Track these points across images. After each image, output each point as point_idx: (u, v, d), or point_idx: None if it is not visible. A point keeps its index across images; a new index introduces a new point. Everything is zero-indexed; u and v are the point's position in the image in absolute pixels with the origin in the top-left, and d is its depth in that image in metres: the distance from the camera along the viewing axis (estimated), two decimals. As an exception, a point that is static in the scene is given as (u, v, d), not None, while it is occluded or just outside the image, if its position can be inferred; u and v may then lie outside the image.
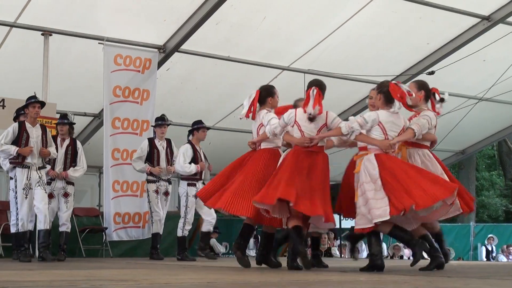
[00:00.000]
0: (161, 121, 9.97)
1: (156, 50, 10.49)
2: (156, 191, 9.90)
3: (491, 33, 11.06)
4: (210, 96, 11.87)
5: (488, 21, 11.09)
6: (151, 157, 9.92)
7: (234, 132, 13.37)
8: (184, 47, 10.48)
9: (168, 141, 10.13)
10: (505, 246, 17.11)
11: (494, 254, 17.35)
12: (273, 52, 11.33)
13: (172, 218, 11.66)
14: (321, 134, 6.76)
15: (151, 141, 9.97)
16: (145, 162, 9.88)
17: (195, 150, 9.91)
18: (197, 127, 9.90)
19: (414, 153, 6.86)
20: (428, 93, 6.94)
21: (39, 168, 8.59)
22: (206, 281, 4.93)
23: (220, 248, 15.31)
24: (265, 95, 7.32)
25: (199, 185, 9.81)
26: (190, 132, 9.96)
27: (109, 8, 9.57)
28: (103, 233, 10.59)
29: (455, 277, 5.58)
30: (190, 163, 9.78)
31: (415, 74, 11.91)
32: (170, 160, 10.05)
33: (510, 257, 16.66)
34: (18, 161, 8.43)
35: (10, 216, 9.34)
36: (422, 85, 6.97)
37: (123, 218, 10.46)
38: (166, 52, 10.49)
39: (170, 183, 10.18)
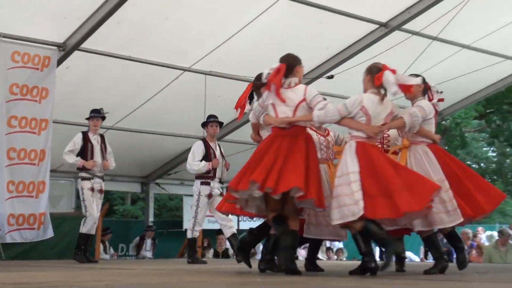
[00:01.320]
0: (94, 113, 9.73)
1: (56, 48, 10.26)
2: (92, 189, 9.65)
3: (388, 39, 11.35)
4: (111, 95, 11.70)
5: (386, 28, 11.40)
6: (85, 151, 9.68)
7: (134, 132, 13.26)
8: (84, 45, 10.29)
9: (102, 136, 9.92)
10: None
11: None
12: (175, 52, 11.27)
13: (69, 219, 11.48)
14: (296, 118, 6.12)
15: (85, 134, 9.73)
16: (77, 156, 9.64)
17: (208, 147, 9.80)
18: (206, 121, 9.89)
19: (416, 152, 6.50)
20: (426, 88, 6.72)
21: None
22: (104, 283, 4.85)
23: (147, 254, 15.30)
24: (292, 63, 6.31)
25: (214, 184, 9.63)
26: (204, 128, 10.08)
27: (5, 3, 9.28)
28: (-4, 235, 10.23)
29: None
30: (201, 160, 9.68)
31: (314, 78, 12.09)
32: (104, 155, 9.83)
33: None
34: None
35: None
36: (421, 79, 6.66)
37: (17, 219, 10.13)
38: (66, 50, 10.27)
39: (104, 180, 9.93)
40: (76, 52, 10.38)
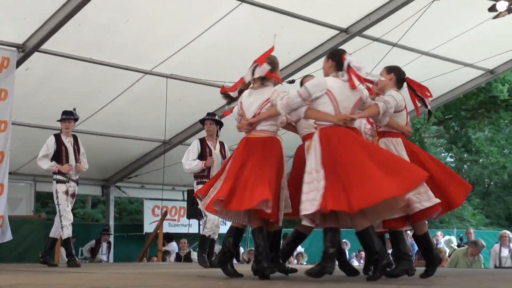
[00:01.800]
0: (66, 115, 9.57)
1: (15, 48, 10.11)
2: (66, 192, 9.49)
3: (349, 45, 11.40)
4: (71, 98, 11.56)
5: (346, 34, 11.47)
6: (59, 154, 9.49)
7: (95, 135, 13.14)
8: (44, 47, 10.16)
9: (75, 137, 9.76)
10: (357, 251, 17.66)
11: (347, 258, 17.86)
12: (136, 55, 11.21)
13: (28, 222, 11.36)
14: (257, 117, 6.03)
15: (57, 137, 9.57)
16: (51, 160, 9.48)
17: (204, 146, 9.58)
18: (202, 119, 9.76)
19: (388, 143, 6.31)
20: (400, 78, 6.49)
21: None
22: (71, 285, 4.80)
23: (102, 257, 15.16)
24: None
25: None
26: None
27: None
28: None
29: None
30: (198, 159, 9.50)
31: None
32: (77, 157, 9.68)
33: (362, 261, 17.21)
34: None
35: None
36: (392, 69, 6.53)
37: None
38: (25, 51, 10.11)
39: (78, 184, 9.76)
40: (36, 54, 10.25)
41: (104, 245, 15.58)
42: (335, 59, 5.92)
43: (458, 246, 15.82)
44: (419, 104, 6.79)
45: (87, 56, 10.77)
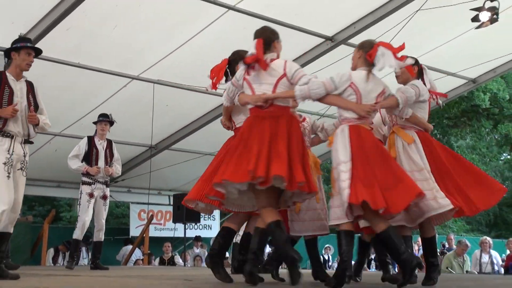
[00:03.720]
0: (102, 118, 9.65)
1: (1, 52, 10.03)
2: (90, 195, 9.42)
3: (334, 53, 11.44)
4: (59, 102, 11.49)
5: (332, 42, 11.48)
6: (90, 156, 9.50)
7: (81, 139, 13.05)
8: (32, 51, 10.08)
9: (109, 142, 9.72)
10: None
11: (330, 263, 17.85)
12: (124, 61, 11.17)
13: (16, 225, 11.19)
14: (275, 94, 5.42)
15: (90, 139, 9.55)
16: (82, 161, 9.44)
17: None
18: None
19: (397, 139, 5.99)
20: (421, 71, 6.29)
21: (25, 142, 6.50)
22: None
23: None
24: (270, 38, 5.72)
25: None
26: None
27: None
28: None
29: None
30: None
31: (262, 88, 12.08)
32: (109, 161, 9.62)
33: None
34: None
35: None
36: (416, 61, 6.29)
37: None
38: (12, 55, 10.04)
39: (108, 186, 9.72)
40: (28, 58, 10.16)
41: (84, 249, 15.27)
42: (365, 50, 5.65)
43: (441, 253, 15.86)
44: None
45: (75, 61, 10.70)
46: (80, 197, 9.54)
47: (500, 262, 14.70)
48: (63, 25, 9.52)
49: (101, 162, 9.64)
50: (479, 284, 7.07)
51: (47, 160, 13.11)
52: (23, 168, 6.33)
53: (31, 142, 6.57)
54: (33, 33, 9.65)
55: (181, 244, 15.65)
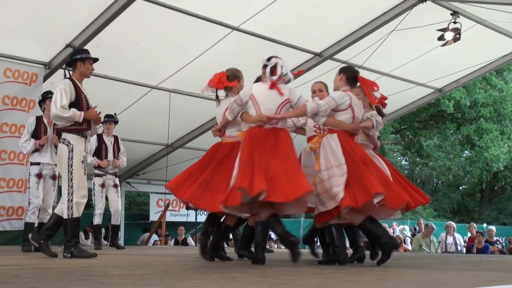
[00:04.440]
0: (107, 118, 9.57)
1: (42, 66, 10.06)
2: (102, 185, 9.41)
3: (322, 67, 11.43)
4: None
5: (320, 57, 11.48)
6: (100, 151, 9.48)
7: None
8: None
9: (116, 138, 9.71)
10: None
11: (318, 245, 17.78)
12: (144, 72, 11.17)
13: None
14: (282, 114, 5.42)
15: (99, 136, 9.54)
16: (93, 156, 9.44)
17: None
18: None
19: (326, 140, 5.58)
20: (350, 76, 5.69)
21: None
22: (83, 265, 4.74)
23: None
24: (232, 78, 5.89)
25: None
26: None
27: (0, 27, 9.07)
28: (-11, 223, 9.95)
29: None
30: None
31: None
32: (116, 155, 9.60)
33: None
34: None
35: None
36: (342, 69, 5.81)
37: (7, 211, 9.90)
38: (51, 68, 10.08)
39: (116, 176, 9.71)
40: (60, 70, 10.16)
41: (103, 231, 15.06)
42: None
43: (413, 235, 15.97)
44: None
45: (103, 73, 10.70)
46: (94, 188, 9.50)
47: (463, 243, 14.72)
48: (93, 43, 9.52)
49: (110, 156, 9.62)
50: (444, 261, 7.07)
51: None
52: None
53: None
54: (67, 49, 9.68)
55: (193, 227, 15.64)
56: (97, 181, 9.50)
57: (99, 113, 6.40)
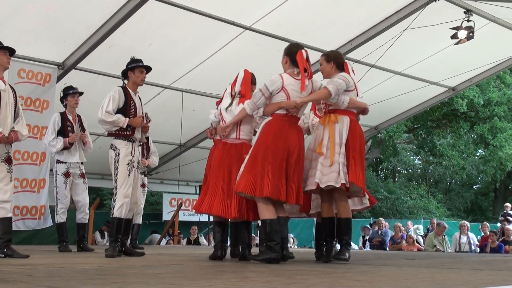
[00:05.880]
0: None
1: (56, 66, 10.12)
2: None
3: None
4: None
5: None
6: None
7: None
8: (80, 65, 10.18)
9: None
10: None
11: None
12: (157, 73, 11.14)
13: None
14: (307, 97, 5.37)
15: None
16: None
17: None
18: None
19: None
20: (339, 63, 5.69)
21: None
22: (96, 265, 4.77)
23: None
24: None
25: None
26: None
27: (15, 28, 9.13)
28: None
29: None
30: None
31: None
32: (145, 154, 9.67)
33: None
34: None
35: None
36: (331, 57, 5.76)
37: (21, 210, 9.98)
38: (64, 68, 10.14)
39: (145, 175, 9.76)
40: (73, 71, 10.26)
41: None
42: (291, 55, 5.65)
43: (425, 235, 15.96)
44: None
45: (116, 73, 10.71)
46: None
47: (476, 243, 14.65)
48: (106, 44, 9.59)
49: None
50: (457, 260, 7.04)
51: (93, 156, 13.05)
52: (138, 167, 6.64)
53: (141, 146, 7.13)
54: (81, 50, 9.74)
55: (206, 227, 15.70)
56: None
57: (148, 121, 6.76)
